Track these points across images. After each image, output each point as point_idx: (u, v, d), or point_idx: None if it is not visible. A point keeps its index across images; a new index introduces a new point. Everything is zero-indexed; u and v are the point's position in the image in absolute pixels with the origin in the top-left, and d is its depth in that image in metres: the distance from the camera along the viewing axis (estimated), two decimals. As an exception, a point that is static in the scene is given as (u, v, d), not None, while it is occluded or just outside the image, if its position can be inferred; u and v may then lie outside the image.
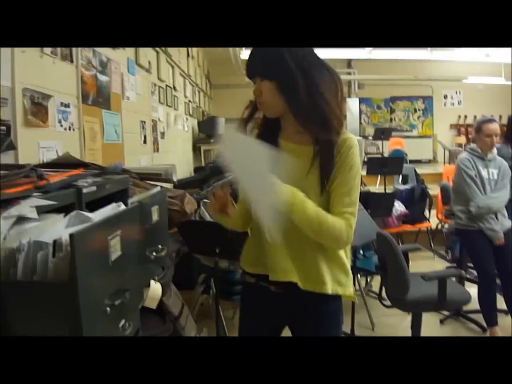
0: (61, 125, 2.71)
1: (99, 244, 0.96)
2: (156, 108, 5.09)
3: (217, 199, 1.62)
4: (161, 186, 1.84)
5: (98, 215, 1.19)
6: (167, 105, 5.63)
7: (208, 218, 2.86)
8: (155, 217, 1.52)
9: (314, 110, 1.45)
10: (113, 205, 1.47)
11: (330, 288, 1.53)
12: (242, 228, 1.75)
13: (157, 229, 1.55)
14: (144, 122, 4.59)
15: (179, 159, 6.40)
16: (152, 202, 1.52)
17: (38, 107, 2.42)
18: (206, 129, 7.82)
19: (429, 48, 8.74)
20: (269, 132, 1.61)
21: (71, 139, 2.85)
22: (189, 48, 7.33)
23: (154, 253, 1.48)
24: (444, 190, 5.18)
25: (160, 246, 1.55)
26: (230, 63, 9.87)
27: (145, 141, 4.59)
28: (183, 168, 6.63)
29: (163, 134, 5.38)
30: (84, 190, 1.29)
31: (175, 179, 2.49)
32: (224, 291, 2.90)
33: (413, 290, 2.82)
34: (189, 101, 7.41)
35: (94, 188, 1.36)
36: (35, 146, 2.41)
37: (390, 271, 2.82)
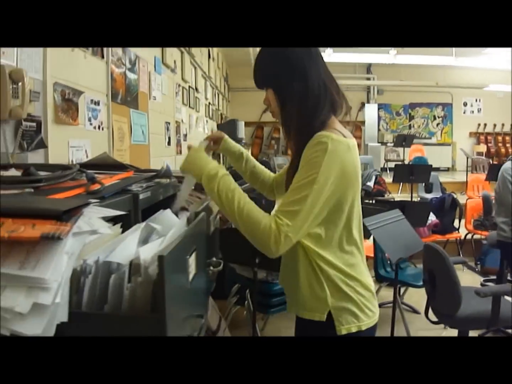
0: (91, 124, 2.54)
1: (181, 264, 0.78)
2: (180, 109, 4.93)
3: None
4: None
5: (161, 226, 1.01)
6: (189, 106, 5.47)
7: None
8: (212, 227, 1.34)
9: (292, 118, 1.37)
10: (164, 212, 1.29)
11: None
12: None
13: (213, 240, 1.37)
14: (169, 123, 4.42)
15: (199, 162, 6.22)
16: (211, 210, 1.34)
17: (68, 104, 2.25)
18: (226, 132, 7.62)
19: (453, 55, 8.54)
20: None
21: (100, 139, 2.69)
22: (210, 50, 7.17)
23: (211, 268, 1.29)
24: (485, 200, 4.97)
25: (215, 259, 1.36)
26: (248, 66, 9.70)
27: (169, 143, 4.42)
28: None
29: (185, 136, 5.21)
30: (141, 196, 1.11)
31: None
32: (261, 303, 2.71)
33: (463, 306, 2.62)
34: (209, 103, 7.25)
35: (149, 193, 1.18)
36: (65, 145, 2.24)
37: (440, 286, 2.62)
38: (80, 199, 0.86)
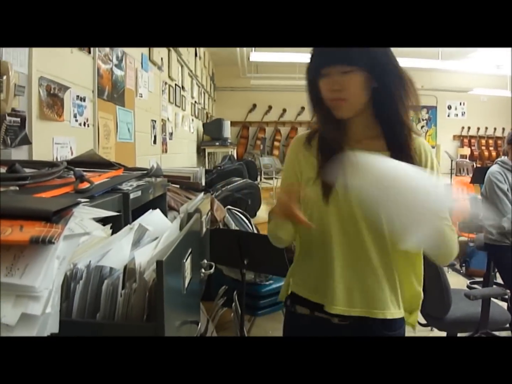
0: (76, 120, 2.48)
1: (178, 269, 0.74)
2: (166, 107, 4.87)
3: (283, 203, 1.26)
4: (204, 193, 1.61)
5: (152, 227, 0.97)
6: (176, 105, 5.40)
7: (233, 226, 2.63)
8: (204, 228, 1.29)
9: (395, 109, 1.29)
10: (153, 212, 1.25)
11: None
12: (286, 242, 1.46)
13: (203, 242, 1.32)
14: (155, 121, 4.36)
15: (184, 161, 6.18)
16: (203, 211, 1.29)
17: (54, 99, 2.18)
18: (211, 131, 7.59)
19: (439, 58, 8.56)
20: (333, 139, 1.34)
21: (86, 136, 2.62)
22: (197, 48, 7.11)
23: (203, 270, 1.24)
24: (472, 202, 4.98)
25: (206, 262, 1.32)
26: (235, 66, 9.67)
27: (155, 141, 4.36)
28: (188, 171, 6.39)
29: (171, 134, 5.14)
30: (131, 196, 1.06)
31: (203, 183, 2.26)
32: (249, 305, 2.66)
33: (452, 308, 2.61)
34: (195, 102, 7.18)
35: (139, 193, 1.13)
36: (49, 141, 2.17)
37: (431, 289, 2.60)
38: (69, 199, 0.81)
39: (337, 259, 1.30)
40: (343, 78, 1.20)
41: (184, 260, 0.78)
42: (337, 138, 1.32)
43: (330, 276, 1.31)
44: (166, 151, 4.84)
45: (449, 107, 12.80)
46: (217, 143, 7.45)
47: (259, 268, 2.41)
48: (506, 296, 3.18)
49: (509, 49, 8.37)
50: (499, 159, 3.62)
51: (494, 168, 3.52)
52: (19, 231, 0.54)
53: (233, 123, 10.08)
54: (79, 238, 0.63)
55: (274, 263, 2.12)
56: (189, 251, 0.84)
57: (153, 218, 1.24)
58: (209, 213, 1.76)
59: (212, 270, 1.30)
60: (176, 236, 0.82)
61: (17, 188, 0.92)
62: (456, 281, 5.12)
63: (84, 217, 0.67)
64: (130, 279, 0.66)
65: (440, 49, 8.26)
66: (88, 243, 0.78)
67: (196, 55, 7.06)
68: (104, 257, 0.69)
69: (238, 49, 8.06)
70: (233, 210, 2.79)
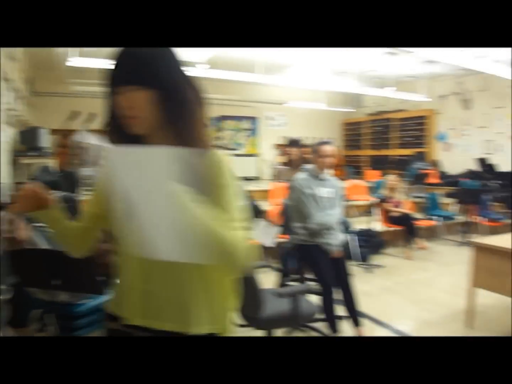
0: None
1: None
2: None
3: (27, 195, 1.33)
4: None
5: None
6: (-16, 112, 4.93)
7: (44, 245, 2.49)
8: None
9: (190, 125, 1.30)
10: None
11: None
12: (76, 248, 1.46)
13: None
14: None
15: (-4, 173, 5.67)
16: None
17: None
18: (28, 140, 7.06)
19: (255, 71, 9.02)
20: None
21: None
22: (13, 50, 6.58)
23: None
24: (285, 207, 5.33)
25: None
26: (57, 70, 9.14)
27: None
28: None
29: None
30: None
31: (5, 200, 2.10)
32: (66, 327, 2.54)
33: (268, 307, 2.80)
34: (10, 108, 6.62)
35: None
36: None
37: (243, 291, 2.76)
38: None
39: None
40: (132, 95, 1.22)
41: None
42: None
43: None
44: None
45: (270, 118, 13.78)
46: (34, 153, 6.95)
47: (69, 287, 2.31)
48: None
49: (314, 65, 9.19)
50: (305, 166, 3.98)
51: (300, 175, 3.87)
52: None
53: (54, 131, 9.47)
54: None
55: (84, 280, 2.07)
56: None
57: None
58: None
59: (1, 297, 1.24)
60: None
61: None
62: (276, 280, 5.44)
63: None
64: None
65: (255, 63, 8.74)
66: None
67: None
68: None
69: (57, 52, 7.63)
70: (44, 228, 2.64)
